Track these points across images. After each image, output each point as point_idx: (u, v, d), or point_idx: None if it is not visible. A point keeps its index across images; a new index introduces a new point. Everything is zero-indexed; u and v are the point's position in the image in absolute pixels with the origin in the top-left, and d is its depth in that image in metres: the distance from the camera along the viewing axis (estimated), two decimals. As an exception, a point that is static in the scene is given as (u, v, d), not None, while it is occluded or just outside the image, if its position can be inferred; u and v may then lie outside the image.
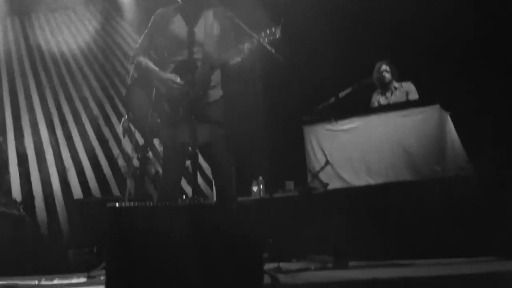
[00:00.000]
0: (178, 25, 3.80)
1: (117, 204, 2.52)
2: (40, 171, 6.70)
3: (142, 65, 3.80)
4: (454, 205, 4.45)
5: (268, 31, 3.62)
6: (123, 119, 3.94)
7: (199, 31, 3.76)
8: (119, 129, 4.98)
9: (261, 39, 3.60)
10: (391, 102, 5.57)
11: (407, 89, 5.58)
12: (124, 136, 4.62)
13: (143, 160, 4.90)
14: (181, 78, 3.70)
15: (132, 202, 4.44)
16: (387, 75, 5.66)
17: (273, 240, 4.07)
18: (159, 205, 2.68)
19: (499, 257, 3.73)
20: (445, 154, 4.74)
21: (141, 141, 6.34)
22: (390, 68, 5.67)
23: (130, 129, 4.83)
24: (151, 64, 3.82)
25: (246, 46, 3.64)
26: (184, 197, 4.18)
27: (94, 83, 7.53)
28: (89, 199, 6.31)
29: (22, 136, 6.87)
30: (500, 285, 2.69)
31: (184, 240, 2.58)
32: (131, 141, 6.35)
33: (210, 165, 4.03)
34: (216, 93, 3.84)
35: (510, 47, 5.47)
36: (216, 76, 3.85)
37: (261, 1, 5.86)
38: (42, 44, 7.51)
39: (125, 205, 2.54)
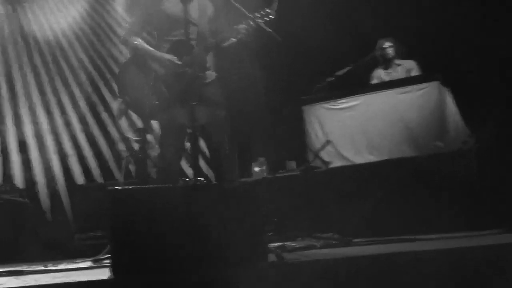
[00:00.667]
0: (171, 4, 3.76)
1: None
2: (41, 158, 6.69)
3: (139, 47, 3.78)
4: (457, 179, 4.45)
5: (263, 11, 3.59)
6: (118, 102, 3.91)
7: (193, 11, 3.73)
8: (115, 112, 4.94)
9: (257, 19, 3.57)
10: (392, 79, 5.54)
11: (409, 67, 5.56)
12: (119, 119, 4.58)
13: (143, 143, 4.88)
14: (177, 58, 3.68)
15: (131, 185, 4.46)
16: (390, 52, 5.63)
17: (277, 219, 4.08)
18: (159, 186, 2.67)
19: (504, 230, 3.73)
20: (447, 129, 4.74)
21: (139, 123, 6.34)
22: (393, 45, 5.64)
23: (126, 112, 4.79)
24: (147, 45, 3.79)
25: (242, 26, 3.62)
26: (185, 179, 4.15)
27: (90, 67, 7.48)
28: (91, 184, 6.33)
29: (22, 123, 6.85)
30: (506, 257, 2.70)
31: (186, 220, 2.58)
32: (128, 123, 6.35)
33: (209, 147, 4.03)
34: (211, 74, 3.82)
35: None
36: (210, 56, 3.82)
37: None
38: (37, 30, 7.44)
39: (125, 188, 2.54)
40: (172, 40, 3.74)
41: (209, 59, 3.83)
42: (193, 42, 3.64)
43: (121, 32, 6.88)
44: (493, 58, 5.44)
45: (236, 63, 4.39)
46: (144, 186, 2.59)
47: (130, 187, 2.58)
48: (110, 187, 2.51)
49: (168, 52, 3.73)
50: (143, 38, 3.88)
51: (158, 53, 3.74)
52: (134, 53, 3.83)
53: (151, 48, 3.78)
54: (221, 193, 2.77)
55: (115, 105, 4.79)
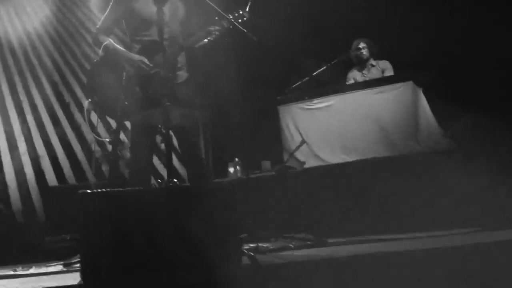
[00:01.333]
0: (144, 3, 3.72)
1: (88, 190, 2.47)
2: (12, 159, 6.56)
3: (110, 47, 3.72)
4: (430, 179, 4.48)
5: (237, 12, 3.58)
6: (87, 102, 3.84)
7: (166, 11, 3.70)
8: (84, 113, 4.85)
9: (232, 20, 3.56)
10: (367, 79, 5.58)
11: (383, 67, 5.62)
12: (88, 119, 4.50)
13: (116, 143, 4.81)
14: (149, 59, 3.64)
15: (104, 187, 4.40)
16: (365, 52, 5.67)
17: (251, 220, 4.06)
18: (129, 189, 2.64)
19: (482, 228, 3.77)
20: (420, 129, 4.79)
21: (113, 124, 6.25)
22: (368, 45, 5.68)
23: (101, 115, 4.71)
24: (118, 46, 3.74)
25: (214, 27, 3.60)
26: (159, 180, 4.12)
27: (63, 67, 7.37)
28: (64, 186, 6.22)
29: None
30: (485, 255, 2.73)
31: (157, 223, 2.55)
32: (102, 124, 6.25)
33: (182, 147, 3.99)
34: (183, 75, 3.80)
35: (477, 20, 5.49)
36: (182, 57, 3.80)
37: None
38: (8, 29, 7.31)
39: (96, 191, 2.50)
40: (144, 40, 3.71)
41: (181, 60, 3.80)
42: (165, 43, 3.60)
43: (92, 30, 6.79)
44: (468, 58, 5.50)
45: (209, 63, 4.36)
46: (114, 189, 2.55)
47: (100, 190, 2.53)
48: (81, 190, 2.46)
49: (139, 52, 3.69)
50: (114, 37, 3.83)
51: (129, 54, 3.69)
52: (105, 52, 3.77)
53: (122, 48, 3.73)
54: (194, 195, 2.74)
55: (84, 104, 4.70)
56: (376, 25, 5.90)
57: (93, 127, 4.84)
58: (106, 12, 3.84)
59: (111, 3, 3.81)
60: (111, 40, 3.75)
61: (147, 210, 2.52)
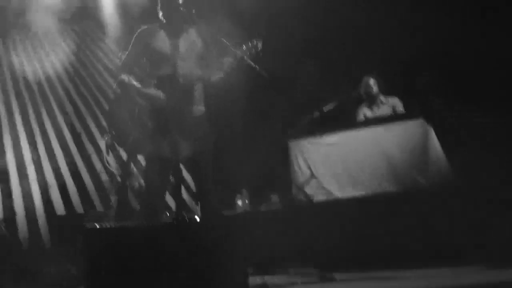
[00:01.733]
0: (161, 41, 3.82)
1: (95, 225, 2.47)
2: (21, 187, 6.60)
3: (125, 82, 3.79)
4: (438, 215, 4.46)
5: (249, 46, 3.64)
6: (106, 137, 3.91)
7: (182, 46, 3.78)
8: (102, 146, 4.94)
9: (244, 55, 3.61)
10: (377, 115, 5.60)
11: (393, 104, 5.64)
12: (108, 154, 4.57)
13: (126, 174, 4.85)
14: (164, 93, 3.69)
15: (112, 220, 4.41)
16: (375, 89, 5.71)
17: (259, 254, 4.04)
18: (138, 226, 2.62)
19: (488, 265, 3.73)
20: (429, 166, 4.77)
21: (124, 156, 6.30)
22: (377, 81, 5.72)
23: (114, 146, 4.78)
24: (133, 81, 3.81)
25: (228, 61, 3.66)
26: (168, 213, 4.13)
27: (76, 98, 7.48)
28: (71, 215, 6.23)
29: (4, 152, 6.77)
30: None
31: (166, 259, 2.54)
32: (114, 157, 6.31)
33: (193, 179, 4.01)
34: (198, 109, 3.84)
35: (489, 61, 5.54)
36: (198, 92, 3.85)
37: (242, 17, 5.88)
38: (25, 62, 7.46)
39: (100, 226, 2.50)
40: (159, 74, 3.78)
41: (198, 94, 3.85)
42: (179, 77, 3.66)
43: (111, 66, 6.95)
44: (476, 97, 5.53)
45: (223, 97, 4.41)
46: (121, 225, 2.55)
47: (108, 226, 2.53)
48: (88, 226, 2.47)
49: (155, 87, 3.76)
50: (134, 74, 3.91)
51: (144, 89, 3.76)
52: (122, 88, 3.85)
53: (138, 85, 3.80)
54: (202, 231, 2.73)
55: (103, 140, 4.80)
56: (387, 61, 5.95)
57: (108, 163, 4.90)
58: (128, 52, 3.95)
59: (131, 42, 3.92)
60: (129, 77, 3.82)
61: (154, 246, 2.51)
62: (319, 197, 5.07)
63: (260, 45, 3.65)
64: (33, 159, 6.87)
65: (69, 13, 7.07)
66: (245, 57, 3.63)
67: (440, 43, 5.80)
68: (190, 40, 3.87)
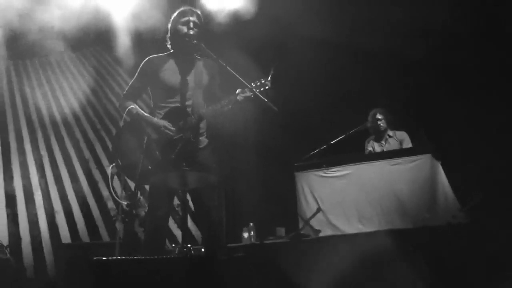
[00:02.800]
0: (169, 73, 3.86)
1: (102, 258, 2.47)
2: (28, 213, 6.61)
3: (133, 112, 3.82)
4: (446, 253, 4.40)
5: (259, 81, 3.68)
6: (111, 166, 3.92)
7: (189, 79, 3.82)
8: (108, 175, 4.93)
9: (254, 89, 3.65)
10: (384, 150, 5.60)
11: (401, 138, 5.64)
12: (112, 182, 4.58)
13: (133, 203, 4.84)
14: (173, 124, 3.72)
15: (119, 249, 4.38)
16: (382, 123, 5.72)
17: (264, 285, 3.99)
18: (144, 258, 2.62)
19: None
20: (437, 202, 4.74)
21: (131, 185, 6.30)
22: (384, 116, 5.73)
23: (119, 175, 4.79)
24: (141, 111, 3.84)
25: (237, 94, 3.69)
26: (173, 245, 4.11)
27: (86, 125, 7.54)
28: (77, 243, 6.21)
29: (12, 178, 6.80)
30: None
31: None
32: (121, 186, 6.31)
33: (198, 211, 4.00)
34: (204, 140, 3.86)
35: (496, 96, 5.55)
36: (203, 123, 3.87)
37: (253, 51, 5.95)
38: (36, 89, 7.55)
39: (109, 259, 2.49)
40: (168, 106, 3.81)
41: (203, 125, 3.88)
42: (188, 109, 3.70)
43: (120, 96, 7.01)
44: (486, 131, 5.52)
45: (229, 129, 4.44)
46: (128, 258, 2.55)
47: (114, 258, 2.52)
48: (95, 258, 2.46)
49: (163, 118, 3.78)
50: (142, 102, 3.97)
51: (154, 119, 3.78)
52: (129, 117, 3.86)
53: (146, 114, 3.82)
54: (208, 266, 2.72)
55: (108, 169, 4.81)
56: (394, 95, 5.97)
57: (114, 191, 4.90)
58: (133, 79, 3.98)
59: (138, 69, 3.95)
60: (136, 106, 3.85)
61: (160, 280, 2.50)
62: (325, 231, 5.03)
63: (269, 83, 3.68)
64: (40, 185, 6.89)
65: (81, 40, 7.16)
66: (255, 91, 3.66)
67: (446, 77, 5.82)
68: (197, 73, 3.90)
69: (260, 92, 3.65)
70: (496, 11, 5.49)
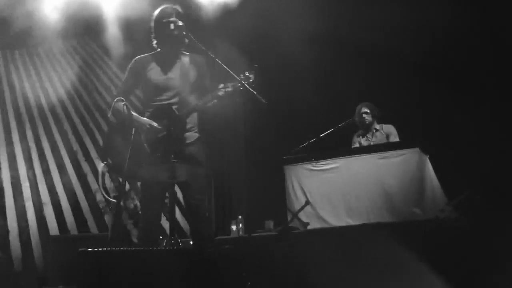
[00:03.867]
0: (154, 72, 3.90)
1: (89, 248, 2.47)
2: (16, 205, 6.58)
3: (121, 111, 3.82)
4: (433, 247, 4.43)
5: (243, 77, 3.68)
6: (101, 166, 3.92)
7: (175, 76, 3.85)
8: (99, 172, 4.93)
9: (242, 81, 3.65)
10: (371, 144, 5.62)
11: (388, 131, 5.66)
12: (103, 181, 4.58)
13: (121, 196, 4.84)
14: (159, 123, 3.73)
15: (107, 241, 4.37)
16: (368, 117, 5.75)
17: (251, 283, 4.00)
18: (131, 250, 2.62)
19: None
20: (424, 196, 4.76)
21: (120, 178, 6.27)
22: (370, 110, 5.75)
23: (110, 174, 4.77)
24: (130, 110, 3.84)
25: (222, 87, 3.70)
26: (161, 237, 4.11)
27: (74, 117, 7.50)
28: (65, 236, 6.20)
29: (-1, 169, 6.77)
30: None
31: (159, 285, 2.53)
32: (111, 180, 6.30)
33: (186, 204, 4.01)
34: (192, 135, 3.87)
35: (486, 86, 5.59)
36: (193, 119, 3.89)
37: (239, 44, 5.94)
38: (24, 79, 7.50)
39: (95, 250, 2.49)
40: (155, 105, 3.83)
41: (192, 121, 3.88)
42: (174, 106, 3.72)
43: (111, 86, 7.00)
44: (473, 125, 5.55)
45: (217, 123, 4.45)
46: (115, 248, 2.55)
47: (102, 249, 2.52)
48: (81, 249, 2.46)
49: (150, 116, 3.81)
50: (135, 98, 4.00)
51: (140, 118, 3.81)
52: (119, 116, 3.88)
53: (134, 113, 3.84)
54: (196, 259, 2.73)
55: (99, 167, 4.82)
56: (382, 89, 5.98)
57: (105, 189, 4.90)
58: (124, 78, 4.02)
59: (127, 70, 3.99)
60: (126, 104, 3.86)
61: (148, 271, 2.51)
62: (314, 224, 5.05)
63: (252, 77, 3.70)
64: (28, 177, 6.85)
65: (71, 32, 7.12)
66: (240, 84, 3.66)
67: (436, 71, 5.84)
68: (184, 69, 3.91)
69: (247, 84, 3.65)
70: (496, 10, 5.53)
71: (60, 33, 7.02)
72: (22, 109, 7.34)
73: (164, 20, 3.86)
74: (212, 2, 6.16)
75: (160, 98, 3.83)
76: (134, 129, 3.64)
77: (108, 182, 5.33)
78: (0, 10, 6.38)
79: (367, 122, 5.76)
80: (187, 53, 3.99)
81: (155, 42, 3.99)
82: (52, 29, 6.72)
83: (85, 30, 7.29)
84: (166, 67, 3.91)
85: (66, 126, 7.40)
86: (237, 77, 3.68)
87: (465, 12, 5.47)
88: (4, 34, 7.03)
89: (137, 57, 4.02)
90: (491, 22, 5.52)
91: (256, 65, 3.72)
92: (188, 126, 3.84)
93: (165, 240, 3.69)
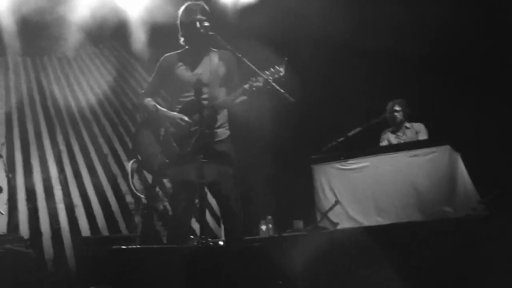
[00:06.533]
0: (184, 68, 3.92)
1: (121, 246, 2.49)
2: (48, 207, 6.69)
3: (151, 107, 3.87)
4: (464, 246, 4.35)
5: (272, 71, 3.66)
6: (131, 161, 3.98)
7: (205, 72, 3.86)
8: (128, 171, 4.99)
9: (268, 79, 3.62)
10: (401, 142, 5.57)
11: (418, 129, 5.61)
12: (132, 178, 4.64)
13: (151, 197, 4.88)
14: (189, 118, 3.74)
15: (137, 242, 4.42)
16: (398, 115, 5.71)
17: (282, 282, 3.98)
18: (163, 247, 2.63)
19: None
20: (456, 194, 4.69)
21: (150, 179, 6.33)
22: (401, 108, 5.71)
23: (139, 170, 4.83)
24: (159, 106, 3.89)
25: (251, 85, 3.69)
26: (191, 236, 4.14)
27: (104, 120, 7.59)
28: (96, 237, 6.26)
29: (31, 172, 6.88)
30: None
31: (190, 281, 2.53)
32: (140, 181, 6.36)
33: (218, 203, 4.03)
34: (223, 132, 3.87)
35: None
36: (223, 116, 3.89)
37: (268, 41, 5.93)
38: (53, 84, 7.62)
39: (129, 248, 2.51)
40: (184, 100, 3.84)
41: (223, 118, 3.89)
42: (204, 102, 3.71)
43: (139, 89, 7.07)
44: (504, 122, 5.45)
45: (246, 120, 4.45)
46: (146, 246, 2.57)
47: (133, 247, 2.54)
48: (114, 247, 2.48)
49: (180, 111, 3.82)
50: (157, 100, 4.03)
51: (170, 113, 3.83)
52: (148, 113, 3.93)
53: (163, 109, 3.88)
54: (225, 255, 2.73)
55: (128, 165, 4.88)
56: (412, 88, 5.91)
57: (134, 186, 4.96)
58: (152, 78, 4.06)
59: (155, 70, 4.02)
60: (154, 102, 3.90)
61: (179, 268, 2.51)
62: (344, 224, 5.01)
63: (283, 70, 3.67)
64: (60, 179, 6.96)
65: (99, 36, 7.22)
66: (269, 80, 3.64)
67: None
68: (213, 65, 3.92)
69: (274, 80, 3.63)
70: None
71: (88, 39, 7.13)
72: (52, 114, 7.45)
73: (191, 18, 3.87)
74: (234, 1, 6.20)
75: (188, 94, 3.84)
76: (165, 126, 3.68)
77: (138, 184, 5.39)
78: (30, 15, 6.49)
79: (398, 120, 5.72)
80: (216, 50, 3.99)
81: (182, 40, 4.00)
82: (81, 34, 6.82)
83: (112, 35, 7.37)
84: (194, 64, 3.93)
85: (96, 130, 7.49)
86: (265, 72, 3.66)
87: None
88: (34, 41, 7.16)
89: (166, 55, 4.05)
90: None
91: (286, 58, 3.69)
92: (218, 123, 3.85)
93: (196, 240, 3.70)
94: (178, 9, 4.05)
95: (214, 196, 4.09)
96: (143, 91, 4.15)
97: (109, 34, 7.33)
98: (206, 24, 3.81)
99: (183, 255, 2.63)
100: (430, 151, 4.90)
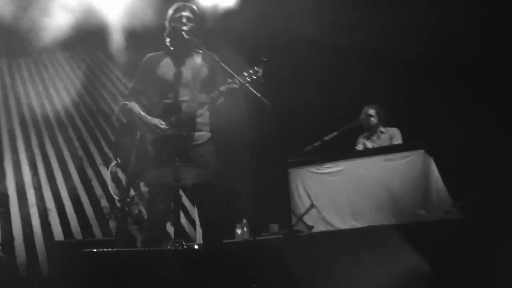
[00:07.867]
0: (165, 69, 3.88)
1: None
2: (21, 211, 6.59)
3: (130, 111, 3.83)
4: (438, 249, 4.41)
5: (250, 72, 3.67)
6: (111, 165, 3.95)
7: (187, 73, 3.82)
8: (107, 175, 4.95)
9: (245, 81, 3.63)
10: (376, 146, 5.62)
11: (392, 134, 5.65)
12: (113, 182, 4.60)
13: (126, 200, 4.84)
14: (166, 121, 3.72)
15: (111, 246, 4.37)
16: (373, 119, 5.76)
17: (256, 285, 3.98)
18: (137, 250, 2.62)
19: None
20: (430, 198, 4.74)
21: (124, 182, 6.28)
22: (376, 112, 5.76)
23: (117, 174, 4.80)
24: (137, 109, 3.85)
25: (227, 86, 3.70)
26: (166, 240, 4.10)
27: (79, 123, 7.52)
28: (70, 241, 6.19)
29: (4, 176, 6.78)
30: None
31: (164, 285, 2.52)
32: (116, 184, 6.31)
33: (196, 207, 4.01)
34: (203, 135, 3.85)
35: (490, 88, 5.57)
36: (204, 118, 3.86)
37: (246, 45, 5.94)
38: (29, 87, 7.53)
39: (101, 250, 2.49)
40: (164, 102, 3.82)
41: (203, 120, 3.87)
42: (183, 104, 3.70)
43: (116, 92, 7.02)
44: (477, 126, 5.53)
45: (225, 123, 4.43)
46: (120, 249, 2.55)
47: (106, 250, 2.52)
48: (86, 249, 2.46)
49: (159, 115, 3.79)
50: (142, 101, 3.97)
51: (147, 118, 3.79)
52: (127, 117, 3.90)
53: (142, 113, 3.84)
54: (200, 258, 2.72)
55: (109, 167, 4.84)
56: (386, 92, 5.98)
57: (112, 188, 4.92)
58: (135, 79, 4.01)
59: (138, 71, 3.98)
60: (136, 104, 3.87)
61: (153, 271, 2.50)
62: (319, 227, 5.03)
63: (261, 71, 3.68)
64: (33, 183, 6.87)
65: (75, 39, 7.15)
66: (246, 83, 3.65)
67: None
68: (196, 66, 3.91)
69: (252, 81, 3.64)
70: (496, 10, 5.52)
71: (65, 41, 7.06)
72: (27, 117, 7.36)
73: (176, 16, 3.87)
74: (216, 6, 6.20)
75: (169, 95, 3.82)
76: (141, 130, 3.65)
77: (114, 187, 5.34)
78: (5, 18, 6.40)
79: (372, 124, 5.77)
80: (200, 51, 3.98)
81: (167, 40, 3.99)
82: (57, 37, 6.75)
83: (89, 38, 7.31)
84: (176, 65, 3.90)
85: (71, 133, 7.41)
86: (242, 74, 3.66)
87: (467, 11, 5.47)
88: (9, 42, 7.06)
89: (149, 54, 4.01)
90: (495, 21, 5.51)
91: (264, 59, 3.71)
92: (198, 125, 3.82)
93: (170, 242, 3.67)
94: (157, 10, 4.04)
95: (191, 199, 4.08)
96: (127, 93, 4.09)
97: (86, 37, 7.27)
98: (185, 28, 3.80)
99: (157, 258, 2.61)
100: (405, 156, 4.95)
